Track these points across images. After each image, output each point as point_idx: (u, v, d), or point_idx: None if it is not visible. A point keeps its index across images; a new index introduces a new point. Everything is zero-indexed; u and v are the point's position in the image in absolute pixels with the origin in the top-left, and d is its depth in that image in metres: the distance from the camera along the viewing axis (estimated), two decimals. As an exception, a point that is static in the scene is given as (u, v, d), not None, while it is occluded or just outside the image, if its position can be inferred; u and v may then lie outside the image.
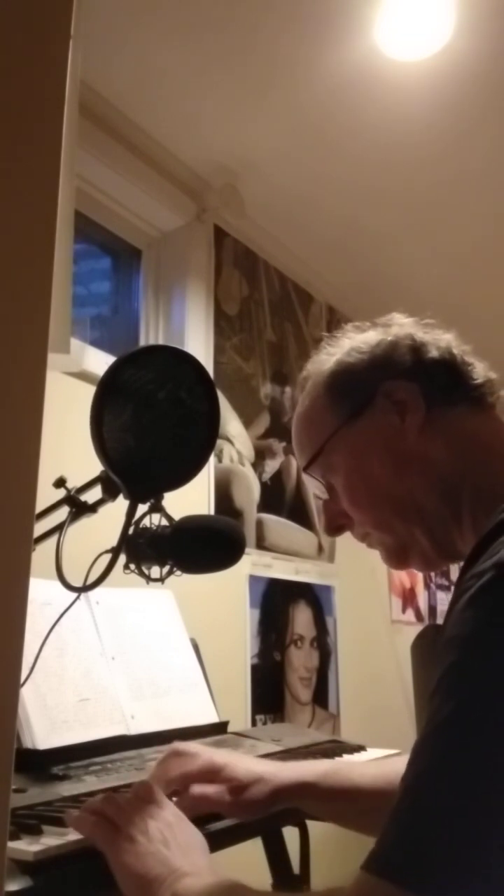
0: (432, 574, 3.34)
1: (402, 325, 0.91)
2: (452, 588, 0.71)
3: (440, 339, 0.89)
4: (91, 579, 0.82)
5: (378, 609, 2.98)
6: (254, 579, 2.28)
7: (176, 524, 0.87)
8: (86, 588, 0.83)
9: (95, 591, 0.86)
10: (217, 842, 0.88)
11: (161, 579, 0.87)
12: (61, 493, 0.92)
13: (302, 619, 2.49)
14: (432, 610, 3.35)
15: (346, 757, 1.26)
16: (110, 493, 0.89)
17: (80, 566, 0.84)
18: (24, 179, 0.54)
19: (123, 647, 1.23)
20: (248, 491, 2.36)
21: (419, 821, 0.56)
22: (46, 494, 0.75)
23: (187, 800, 0.89)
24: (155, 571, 0.88)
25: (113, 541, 0.83)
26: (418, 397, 0.85)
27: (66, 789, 0.93)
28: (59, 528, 0.89)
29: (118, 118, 2.07)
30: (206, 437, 0.89)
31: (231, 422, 2.34)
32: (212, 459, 2.05)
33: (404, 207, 2.49)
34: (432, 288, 2.75)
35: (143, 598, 1.33)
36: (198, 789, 0.90)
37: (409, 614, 3.17)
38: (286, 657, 2.39)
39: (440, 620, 3.31)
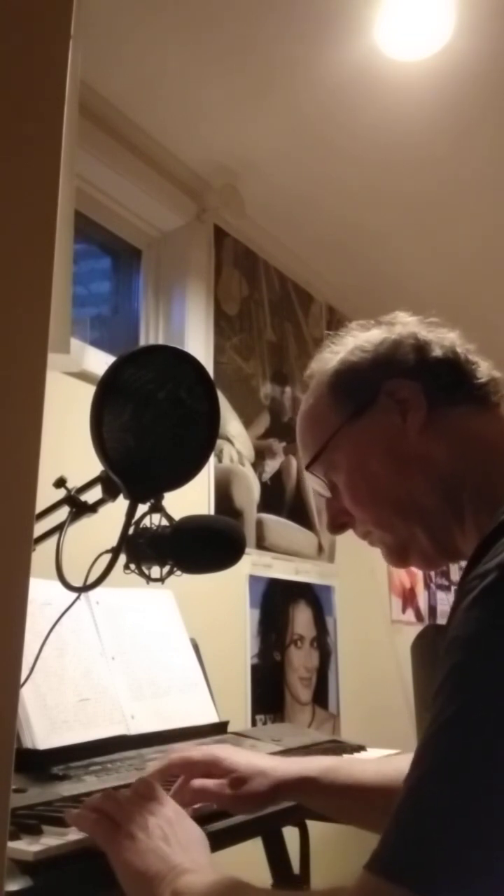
0: (432, 574, 3.34)
1: (405, 324, 0.91)
2: (453, 588, 0.72)
3: (444, 338, 0.89)
4: (91, 579, 0.82)
5: (378, 609, 2.98)
6: (254, 579, 2.28)
7: (176, 524, 0.87)
8: (86, 588, 0.83)
9: (95, 591, 0.86)
10: (217, 841, 0.88)
11: (161, 579, 0.87)
12: (61, 493, 0.92)
13: (302, 619, 2.49)
14: (432, 610, 3.34)
15: (345, 757, 1.26)
16: (110, 493, 0.89)
17: (80, 566, 0.84)
18: (24, 179, 0.54)
19: (123, 647, 1.23)
20: (248, 491, 2.36)
21: (422, 821, 0.56)
22: (46, 494, 0.75)
23: (188, 793, 0.89)
24: (155, 571, 0.88)
25: (113, 541, 0.83)
26: (420, 396, 0.85)
27: (66, 789, 0.93)
28: (59, 528, 0.89)
29: (118, 118, 2.07)
30: (206, 437, 0.89)
31: (231, 422, 2.34)
32: (212, 459, 2.05)
33: (404, 207, 2.49)
34: (432, 288, 2.75)
35: (143, 598, 1.33)
36: (198, 782, 0.91)
37: (409, 614, 3.17)
38: (286, 657, 2.39)
39: (440, 620, 3.31)
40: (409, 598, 3.20)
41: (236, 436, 2.36)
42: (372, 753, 1.31)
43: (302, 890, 1.22)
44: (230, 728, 1.34)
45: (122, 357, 0.85)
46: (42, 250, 0.54)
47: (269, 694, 2.27)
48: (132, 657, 1.24)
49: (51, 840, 0.77)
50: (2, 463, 0.49)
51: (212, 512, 2.15)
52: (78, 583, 0.83)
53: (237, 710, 2.07)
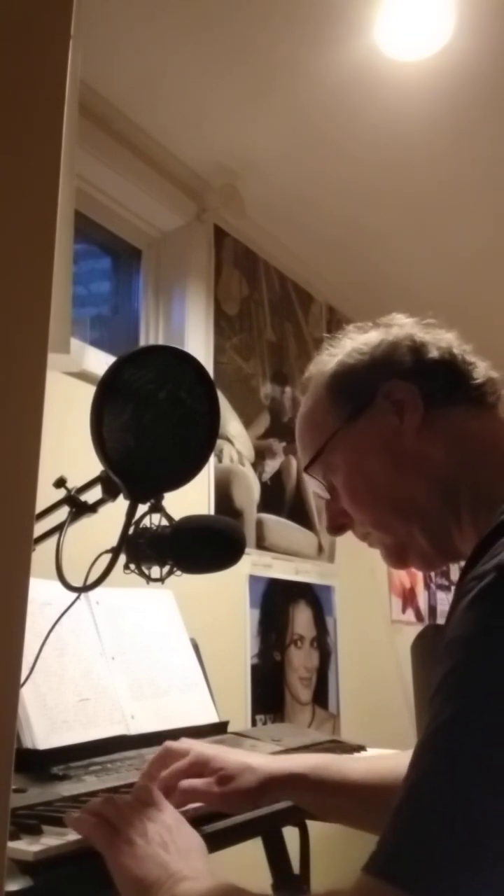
0: (432, 574, 3.34)
1: (402, 326, 0.91)
2: (453, 589, 0.72)
3: (441, 339, 0.89)
4: (91, 579, 0.82)
5: (378, 609, 2.98)
6: (254, 579, 2.28)
7: (176, 524, 0.87)
8: (86, 588, 0.83)
9: (95, 591, 0.86)
10: (217, 842, 0.88)
11: (161, 579, 0.87)
12: (61, 493, 0.92)
13: (302, 619, 2.49)
14: (432, 610, 3.34)
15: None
16: (110, 493, 0.89)
17: (80, 566, 0.84)
18: (24, 179, 0.54)
19: (123, 647, 1.23)
20: (248, 491, 2.36)
21: (420, 822, 0.56)
22: (46, 494, 0.75)
23: (177, 795, 0.89)
24: (155, 571, 0.88)
25: (113, 541, 0.83)
26: (416, 397, 0.85)
27: (66, 789, 0.93)
28: (59, 528, 0.89)
29: (118, 118, 2.07)
30: (206, 437, 0.89)
31: (231, 422, 2.34)
32: (212, 459, 2.05)
33: (404, 207, 2.49)
34: (432, 288, 2.75)
35: (143, 598, 1.33)
36: (186, 783, 0.90)
37: (409, 614, 3.17)
38: (286, 657, 2.39)
39: (440, 620, 3.31)
40: (409, 598, 3.20)
41: (236, 436, 2.36)
42: (372, 753, 1.31)
43: (302, 891, 1.21)
44: (230, 728, 1.34)
45: (122, 357, 0.85)
46: (42, 250, 0.54)
47: (269, 694, 2.27)
48: (132, 657, 1.24)
49: (51, 840, 0.77)
50: (2, 463, 0.49)
51: (212, 512, 2.15)
52: (78, 583, 0.83)
53: (237, 710, 2.07)
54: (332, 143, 2.20)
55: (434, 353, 0.87)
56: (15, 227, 0.53)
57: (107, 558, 0.82)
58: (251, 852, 1.15)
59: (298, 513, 2.57)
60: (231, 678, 2.10)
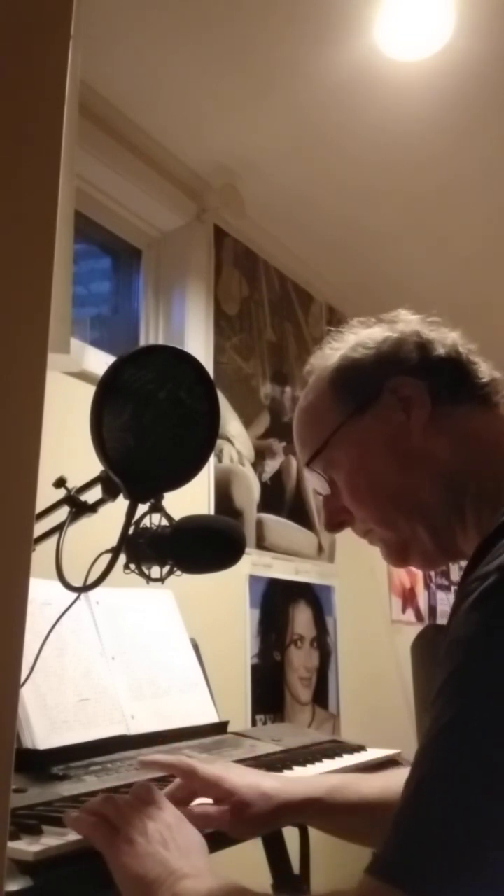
0: (432, 574, 3.34)
1: (408, 322, 0.90)
2: (453, 588, 0.72)
3: (446, 337, 0.88)
4: (91, 579, 0.82)
5: (378, 609, 2.98)
6: (254, 579, 2.28)
7: (176, 524, 0.87)
8: (86, 588, 0.83)
9: (95, 591, 0.86)
10: (217, 842, 0.88)
11: (161, 579, 0.87)
12: (61, 493, 0.92)
13: (302, 619, 2.49)
14: (432, 610, 3.34)
15: (345, 757, 1.26)
16: (110, 493, 0.89)
17: (80, 566, 0.84)
18: (24, 179, 0.54)
19: (123, 647, 1.23)
20: (248, 491, 2.36)
21: (422, 825, 0.56)
22: (46, 494, 0.75)
23: (188, 818, 0.88)
24: (155, 571, 0.88)
25: (113, 541, 0.83)
26: (424, 394, 0.84)
27: (66, 789, 0.93)
28: (59, 528, 0.89)
29: (118, 118, 2.07)
30: (206, 437, 0.89)
31: (231, 422, 2.34)
32: (212, 459, 2.05)
33: (404, 207, 2.49)
34: (432, 288, 2.75)
35: (143, 598, 1.33)
36: (199, 809, 0.89)
37: (409, 614, 3.17)
38: (286, 657, 2.39)
39: (440, 620, 3.31)
40: (409, 598, 3.20)
41: (236, 436, 2.36)
42: (372, 753, 1.31)
43: (302, 891, 1.21)
44: (230, 728, 1.34)
45: (122, 357, 0.85)
46: (42, 250, 0.54)
47: (269, 694, 2.27)
48: (132, 657, 1.24)
49: (51, 840, 0.77)
50: (2, 463, 0.49)
51: (212, 512, 2.15)
52: (78, 583, 0.83)
53: (237, 710, 2.07)
54: (332, 143, 2.20)
55: (441, 351, 0.87)
56: (15, 227, 0.53)
57: (107, 558, 0.82)
58: (251, 852, 1.15)
59: (298, 513, 2.57)
60: (231, 678, 2.10)
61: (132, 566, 0.87)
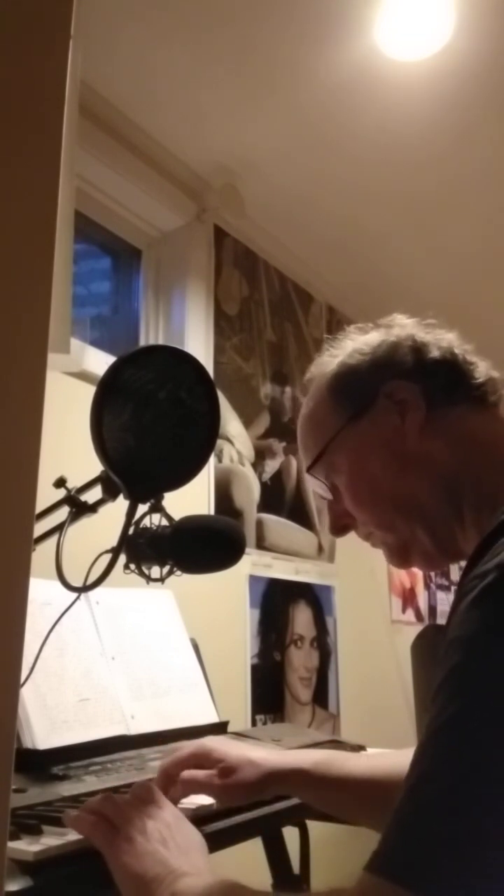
0: (432, 574, 3.34)
1: (403, 326, 0.92)
2: (453, 588, 0.72)
3: (442, 339, 0.89)
4: (91, 579, 0.82)
5: (378, 609, 2.98)
6: (254, 579, 2.28)
7: (176, 524, 0.87)
8: (86, 588, 0.83)
9: (95, 591, 0.86)
10: (217, 841, 0.88)
11: (161, 579, 0.87)
12: (61, 493, 0.92)
13: (302, 619, 2.49)
14: (432, 610, 3.34)
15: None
16: (110, 493, 0.89)
17: (80, 566, 0.84)
18: (24, 179, 0.54)
19: (123, 647, 1.23)
20: (248, 491, 2.36)
21: (422, 821, 0.56)
22: (46, 494, 0.75)
23: (177, 786, 0.89)
24: (155, 571, 0.88)
25: (113, 541, 0.83)
26: (419, 397, 0.85)
27: (66, 789, 0.93)
28: (59, 528, 0.89)
29: (118, 118, 2.07)
30: (206, 437, 0.89)
31: (231, 422, 2.34)
32: (212, 459, 2.05)
33: (404, 207, 2.49)
34: (432, 288, 2.75)
35: (143, 598, 1.33)
36: (187, 773, 0.91)
37: (409, 614, 3.17)
38: (286, 657, 2.39)
39: (440, 620, 3.31)
40: (409, 598, 3.20)
41: (236, 436, 2.36)
42: (373, 752, 1.31)
43: (302, 891, 1.21)
44: (230, 728, 1.34)
45: (122, 357, 0.85)
46: (42, 250, 0.54)
47: (269, 694, 2.27)
48: (132, 657, 1.24)
49: (51, 840, 0.77)
50: (2, 463, 0.49)
51: (212, 512, 2.15)
52: (78, 583, 0.83)
53: (237, 710, 2.07)
54: (332, 143, 2.20)
55: (435, 353, 0.88)
56: (15, 227, 0.53)
57: (107, 558, 0.82)
58: (251, 852, 1.15)
59: (298, 513, 2.57)
60: (231, 678, 2.10)
61: (132, 566, 0.88)
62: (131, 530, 0.85)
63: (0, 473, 0.49)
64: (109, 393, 0.83)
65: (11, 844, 0.73)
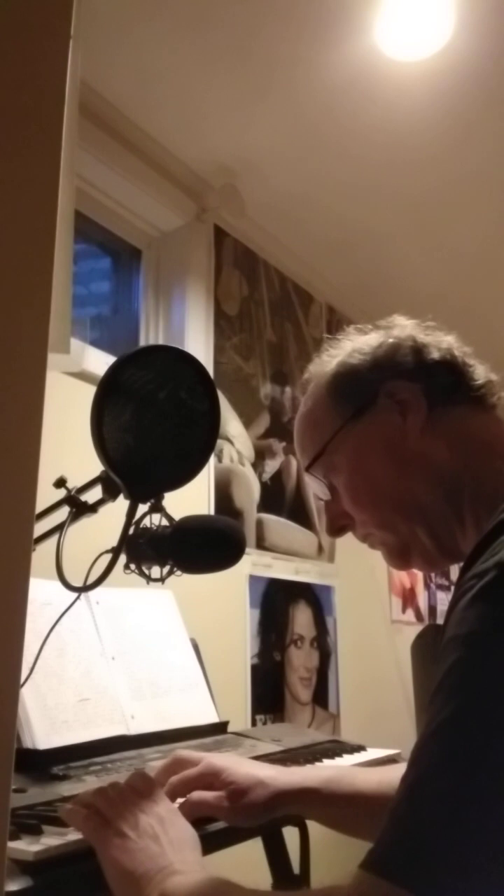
0: (432, 574, 3.35)
1: (403, 327, 0.92)
2: (453, 588, 0.72)
3: (441, 341, 0.89)
4: (91, 579, 0.82)
5: (378, 609, 2.98)
6: (254, 579, 2.28)
7: (176, 524, 0.87)
8: (86, 588, 0.83)
9: (95, 591, 0.86)
10: (217, 841, 0.88)
11: (161, 579, 0.87)
12: (61, 493, 0.92)
13: (302, 619, 2.49)
14: (432, 610, 3.35)
15: (346, 757, 1.26)
16: (110, 493, 0.89)
17: (80, 566, 0.84)
18: (24, 179, 0.54)
19: (123, 647, 1.23)
20: (248, 491, 2.36)
21: (419, 820, 0.56)
22: (46, 494, 0.75)
23: (186, 805, 0.88)
24: (155, 571, 0.88)
25: (113, 541, 0.83)
26: (420, 397, 0.85)
27: (66, 789, 0.93)
28: (59, 528, 0.89)
29: (118, 118, 2.07)
30: (206, 438, 0.89)
31: (231, 422, 2.34)
32: (212, 459, 2.05)
33: (404, 207, 2.49)
34: (432, 288, 2.75)
35: (143, 598, 1.33)
36: (196, 795, 0.89)
37: (409, 614, 3.17)
38: (286, 657, 2.39)
39: (440, 620, 3.31)
40: (409, 598, 3.20)
41: (236, 436, 2.36)
42: (372, 753, 1.31)
43: (302, 890, 1.21)
44: (230, 728, 1.34)
45: (122, 357, 0.85)
46: (42, 250, 0.54)
47: (269, 694, 2.27)
48: (132, 657, 1.24)
49: (51, 840, 0.77)
50: (2, 463, 0.49)
51: (212, 512, 2.15)
52: (78, 583, 0.83)
53: (237, 710, 2.07)
54: (332, 143, 2.20)
55: (435, 355, 0.88)
56: (15, 227, 0.53)
57: (107, 558, 0.82)
58: (251, 852, 1.15)
59: (298, 513, 2.57)
60: (231, 678, 2.10)
61: (132, 566, 0.87)
62: (131, 530, 0.85)
63: (0, 473, 0.49)
64: (109, 393, 0.83)
65: (11, 844, 0.73)
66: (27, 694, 1.03)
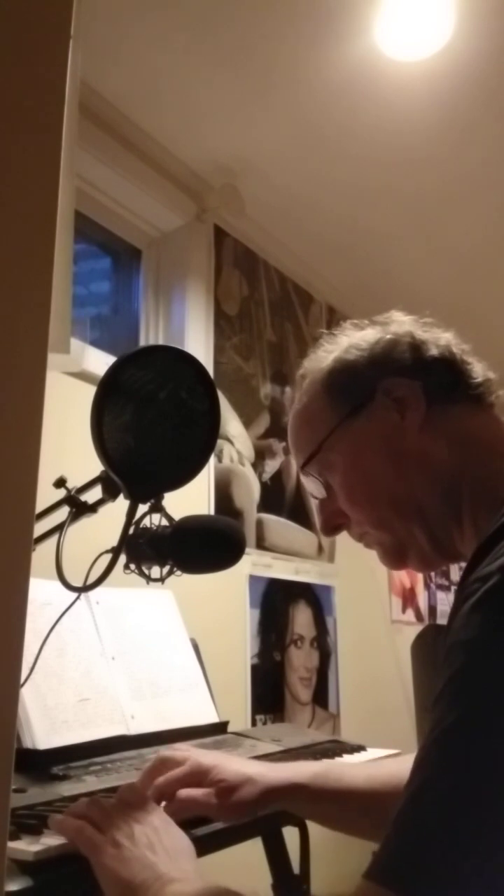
0: (432, 574, 3.34)
1: (401, 323, 0.90)
2: (453, 588, 0.71)
3: (439, 338, 0.88)
4: (91, 579, 0.82)
5: (378, 609, 2.98)
6: (254, 579, 2.28)
7: (176, 524, 0.87)
8: (86, 588, 0.83)
9: (95, 591, 0.86)
10: (217, 842, 0.88)
11: (161, 579, 0.87)
12: (61, 493, 0.92)
13: (302, 619, 2.49)
14: (432, 610, 3.34)
15: (345, 757, 1.26)
16: (110, 493, 0.89)
17: (80, 566, 0.84)
18: (24, 179, 0.54)
19: (123, 647, 1.23)
20: (248, 491, 2.36)
21: (421, 829, 0.55)
22: (46, 494, 0.75)
23: (175, 804, 0.87)
24: (155, 571, 0.88)
25: (113, 541, 0.83)
26: (419, 394, 0.84)
27: (66, 789, 0.93)
28: (59, 528, 0.89)
29: (118, 118, 2.07)
30: (206, 438, 0.89)
31: (231, 422, 2.34)
32: (212, 459, 2.05)
33: (404, 207, 2.49)
34: (432, 287, 2.75)
35: (143, 598, 1.33)
36: (184, 793, 0.88)
37: (409, 614, 3.17)
38: (286, 657, 2.39)
39: (440, 620, 3.31)
40: (409, 598, 3.20)
41: (236, 436, 2.36)
42: (372, 753, 1.31)
43: (302, 891, 1.21)
44: (230, 728, 1.34)
45: (123, 357, 0.85)
46: (42, 250, 0.54)
47: (269, 694, 2.27)
48: (132, 657, 1.24)
49: (51, 840, 0.77)
50: (2, 463, 0.49)
51: (212, 512, 2.15)
52: (78, 583, 0.83)
53: (237, 710, 2.07)
54: (332, 143, 2.20)
55: (434, 352, 0.86)
56: (15, 227, 0.53)
57: (107, 558, 0.82)
58: (251, 852, 1.15)
59: (298, 513, 2.57)
60: (231, 678, 2.10)
61: (132, 566, 0.87)
62: (131, 530, 0.85)
63: (0, 473, 0.49)
64: (110, 393, 0.83)
65: (11, 844, 0.73)
66: (27, 694, 1.03)
